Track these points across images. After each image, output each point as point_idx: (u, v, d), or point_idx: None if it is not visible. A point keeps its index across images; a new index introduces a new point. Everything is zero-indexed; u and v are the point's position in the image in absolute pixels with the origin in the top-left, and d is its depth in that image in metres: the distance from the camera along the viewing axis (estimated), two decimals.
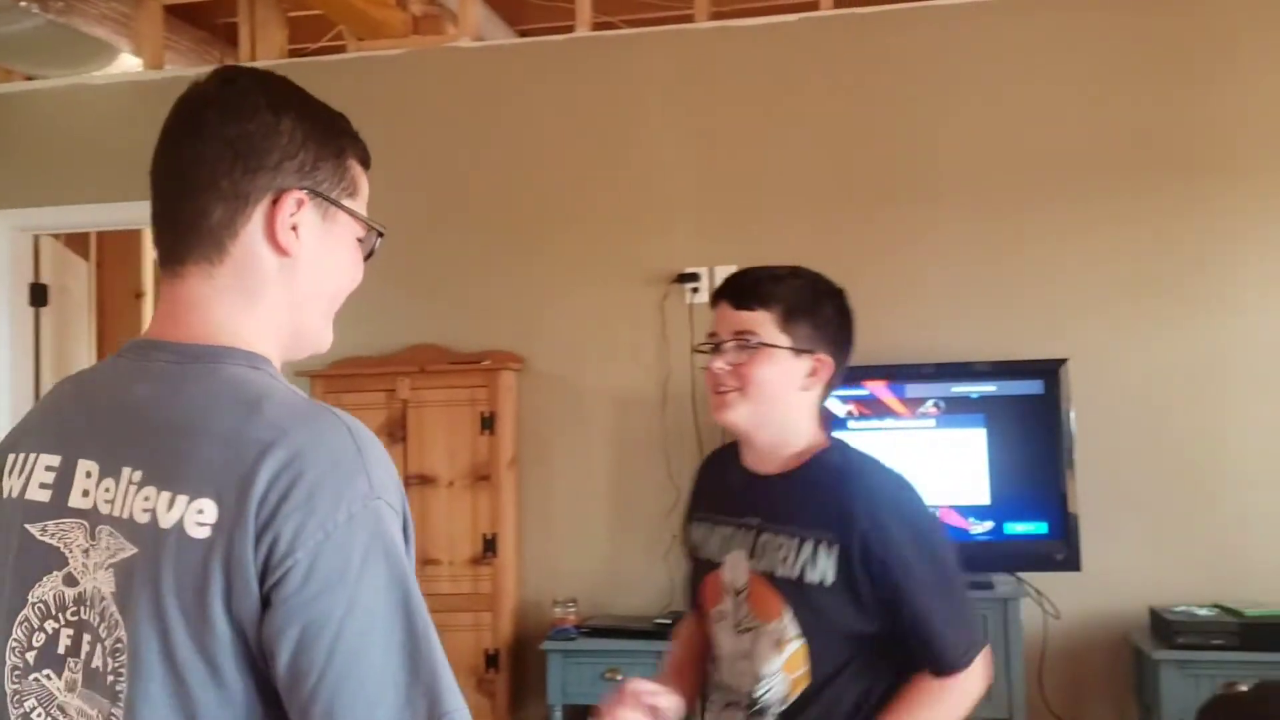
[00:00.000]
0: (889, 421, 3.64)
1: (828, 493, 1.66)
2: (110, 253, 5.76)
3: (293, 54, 4.27)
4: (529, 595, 3.93)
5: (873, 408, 3.65)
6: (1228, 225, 3.63)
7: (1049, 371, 3.57)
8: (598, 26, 4.12)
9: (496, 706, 3.72)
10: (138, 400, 1.02)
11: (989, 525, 3.58)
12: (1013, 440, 3.59)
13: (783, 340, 1.71)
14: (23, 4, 3.62)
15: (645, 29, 4.06)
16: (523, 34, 4.46)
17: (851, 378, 3.58)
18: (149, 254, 5.92)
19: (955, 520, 3.58)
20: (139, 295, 5.85)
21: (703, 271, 3.90)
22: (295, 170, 1.08)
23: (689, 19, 4.01)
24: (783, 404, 1.72)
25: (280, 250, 1.07)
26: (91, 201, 4.24)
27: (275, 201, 1.06)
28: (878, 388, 3.65)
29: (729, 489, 1.79)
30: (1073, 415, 3.53)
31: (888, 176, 3.84)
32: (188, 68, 4.35)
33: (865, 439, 3.63)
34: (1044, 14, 3.79)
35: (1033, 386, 3.60)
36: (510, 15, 4.56)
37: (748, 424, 1.73)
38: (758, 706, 1.67)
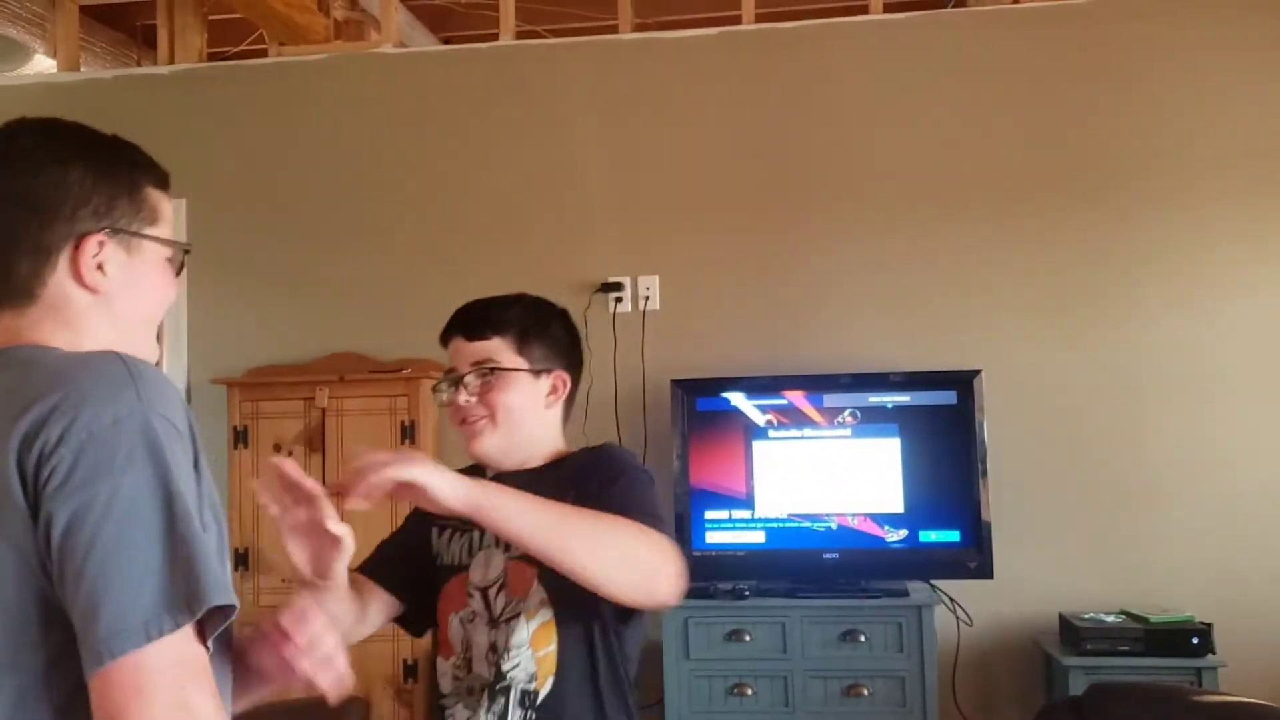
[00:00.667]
0: (807, 430, 3.68)
1: (574, 468, 1.71)
2: None
3: (212, 57, 4.21)
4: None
5: (791, 417, 3.69)
6: (1140, 239, 3.73)
7: (962, 382, 3.64)
8: (521, 35, 4.12)
9: (415, 716, 3.69)
10: None
11: (903, 534, 3.63)
12: (927, 450, 3.65)
13: (520, 363, 1.73)
14: None
15: (569, 39, 4.07)
16: (446, 41, 4.45)
17: (771, 387, 3.68)
18: None
19: (871, 529, 3.63)
20: None
21: (626, 281, 3.92)
22: (91, 215, 1.14)
23: (613, 29, 4.04)
24: (529, 426, 1.74)
25: (90, 290, 1.14)
26: None
27: (77, 247, 1.13)
28: (796, 397, 3.69)
29: None
30: (985, 425, 3.59)
31: (807, 189, 3.89)
32: (104, 69, 4.28)
33: (784, 448, 3.68)
34: (962, 31, 3.88)
35: (946, 397, 3.66)
36: (433, 23, 4.55)
37: (499, 452, 1.73)
38: (502, 683, 1.62)
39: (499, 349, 1.71)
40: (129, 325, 1.18)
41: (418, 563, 1.77)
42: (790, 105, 3.91)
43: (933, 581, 3.66)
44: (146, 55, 4.45)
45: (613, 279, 3.91)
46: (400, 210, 4.03)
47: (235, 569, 3.63)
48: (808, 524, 3.66)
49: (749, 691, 3.52)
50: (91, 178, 1.14)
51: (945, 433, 3.65)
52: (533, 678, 1.63)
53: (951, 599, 3.68)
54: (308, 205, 4.05)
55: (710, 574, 3.64)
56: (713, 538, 3.69)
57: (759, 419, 3.69)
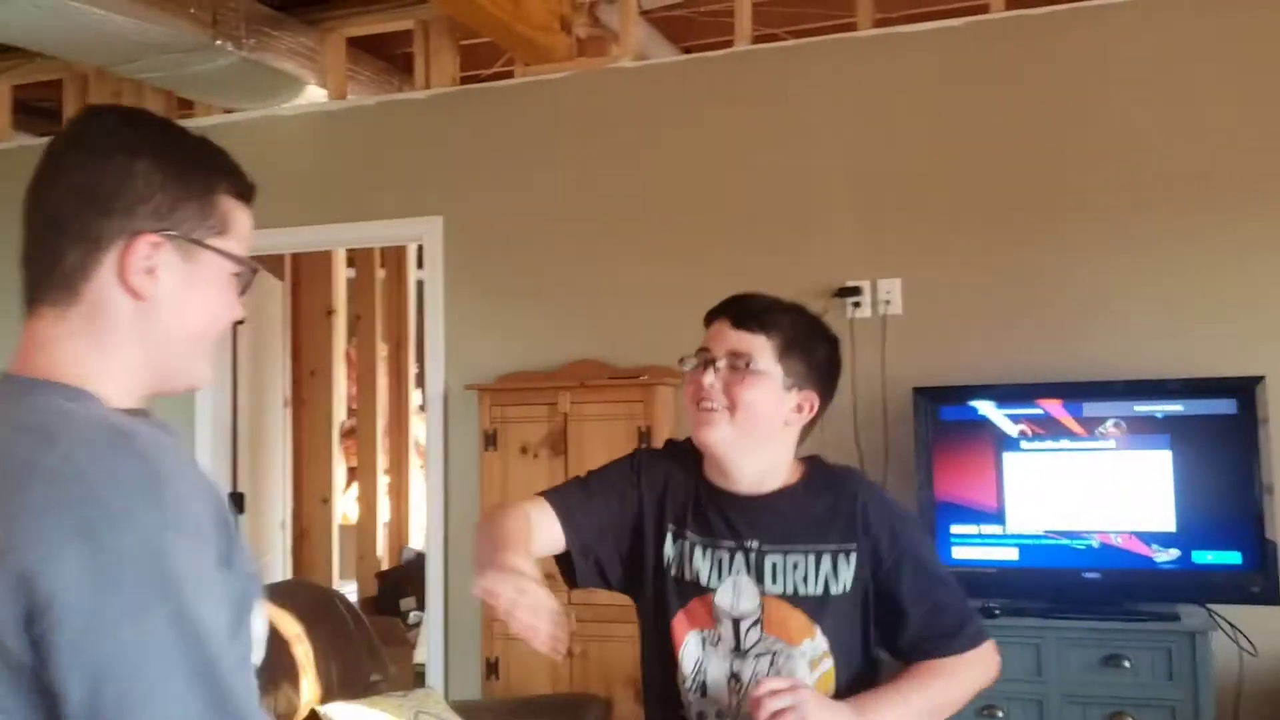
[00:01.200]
0: (1064, 442, 3.45)
1: (834, 504, 1.68)
2: (305, 273, 6.11)
3: (465, 80, 4.40)
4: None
5: (1047, 427, 3.47)
6: None
7: (1244, 389, 3.32)
8: (759, 39, 4.09)
9: None
10: None
11: (1175, 554, 3.34)
12: (1202, 463, 3.34)
13: (776, 370, 1.67)
14: (218, 43, 3.86)
15: (805, 40, 4.00)
16: (687, 51, 4.46)
17: (1023, 395, 3.47)
18: (340, 273, 6.24)
19: (1137, 547, 3.37)
20: (330, 313, 6.17)
21: (865, 285, 3.81)
22: (150, 213, 1.06)
23: (851, 27, 3.93)
24: (765, 433, 1.68)
25: (134, 294, 1.06)
26: (281, 225, 4.49)
27: (128, 246, 1.05)
28: (1052, 406, 3.46)
29: (704, 509, 1.72)
30: (1270, 436, 3.26)
31: (1064, 184, 3.65)
32: (368, 96, 4.55)
33: (1038, 460, 3.47)
34: (1238, 9, 3.54)
35: (1225, 405, 3.34)
36: (674, 34, 4.58)
37: (728, 446, 1.68)
38: None
39: (760, 347, 1.67)
40: (172, 341, 1.09)
41: (616, 538, 1.74)
42: (1049, 96, 3.68)
43: (1210, 606, 3.35)
44: (407, 81, 4.71)
45: (851, 283, 3.81)
46: (640, 220, 4.07)
47: None
48: (1065, 541, 3.43)
49: (999, 714, 3.34)
50: (159, 174, 1.06)
51: (1223, 444, 3.33)
52: None
53: (1232, 626, 3.36)
54: (554, 219, 4.16)
55: None
56: (959, 553, 3.51)
57: (1010, 429, 3.49)
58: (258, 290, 4.47)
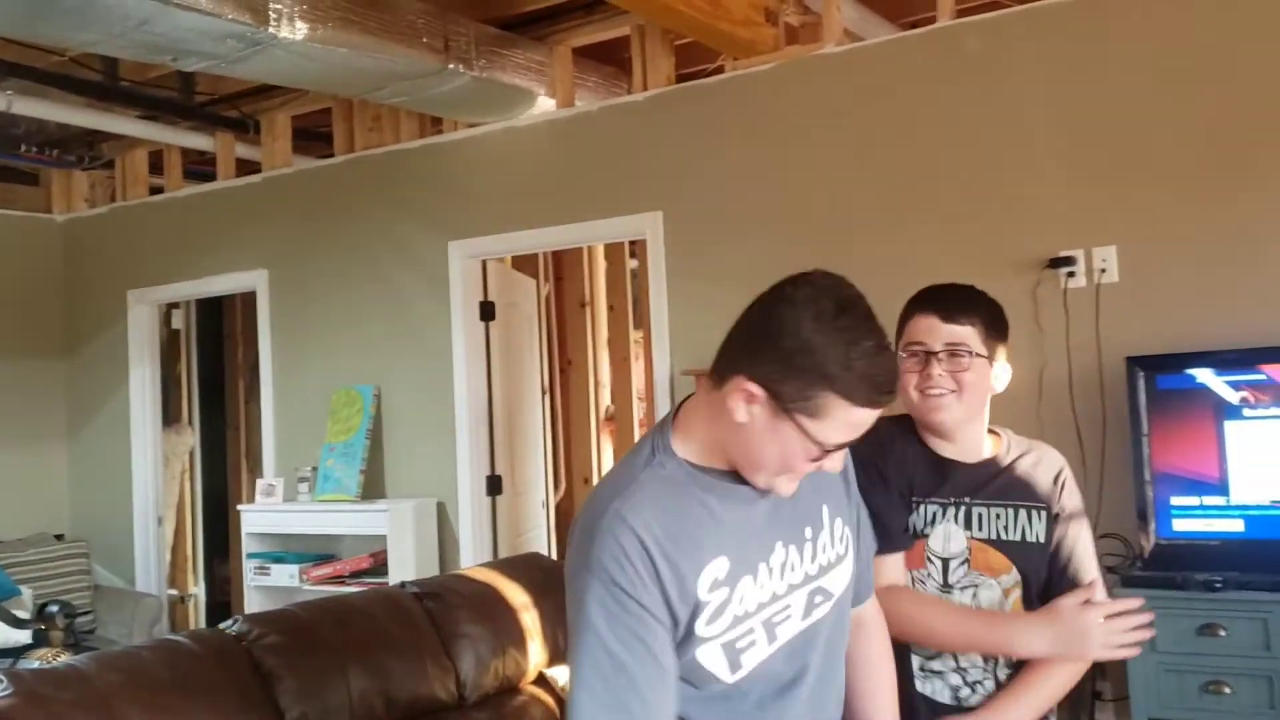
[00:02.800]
0: None
1: (1029, 472, 2.02)
2: (566, 269, 6.54)
3: (681, 79, 4.62)
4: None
5: (1272, 394, 3.32)
6: None
7: None
8: (964, 13, 4.07)
9: None
10: None
11: None
12: None
13: (984, 351, 1.96)
14: (450, 67, 4.25)
15: (1009, 9, 3.95)
16: (911, 26, 4.45)
17: (1244, 361, 3.34)
18: (599, 266, 6.61)
19: None
20: (583, 305, 6.56)
21: (1078, 254, 3.74)
22: (766, 369, 1.41)
23: None
24: (983, 405, 2.00)
25: (731, 413, 1.44)
26: (522, 228, 4.87)
27: (735, 380, 1.43)
28: (1276, 371, 3.31)
29: (926, 474, 2.00)
30: None
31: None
32: (595, 101, 4.85)
33: (1264, 428, 3.32)
34: None
35: None
36: (890, 11, 4.61)
37: (958, 422, 1.99)
38: None
39: (971, 335, 1.94)
40: (745, 457, 1.48)
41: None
42: (1265, 40, 3.49)
43: None
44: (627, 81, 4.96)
45: (1064, 253, 3.75)
46: (853, 202, 4.15)
47: None
48: None
49: (1226, 690, 3.24)
50: (789, 341, 1.41)
51: None
52: None
53: None
54: (767, 207, 4.31)
55: (1178, 564, 3.38)
56: (1180, 525, 3.42)
57: (1232, 396, 3.36)
58: (509, 286, 4.92)
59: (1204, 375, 3.40)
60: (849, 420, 1.41)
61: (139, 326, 6.10)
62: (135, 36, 3.58)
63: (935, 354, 1.94)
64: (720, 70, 4.53)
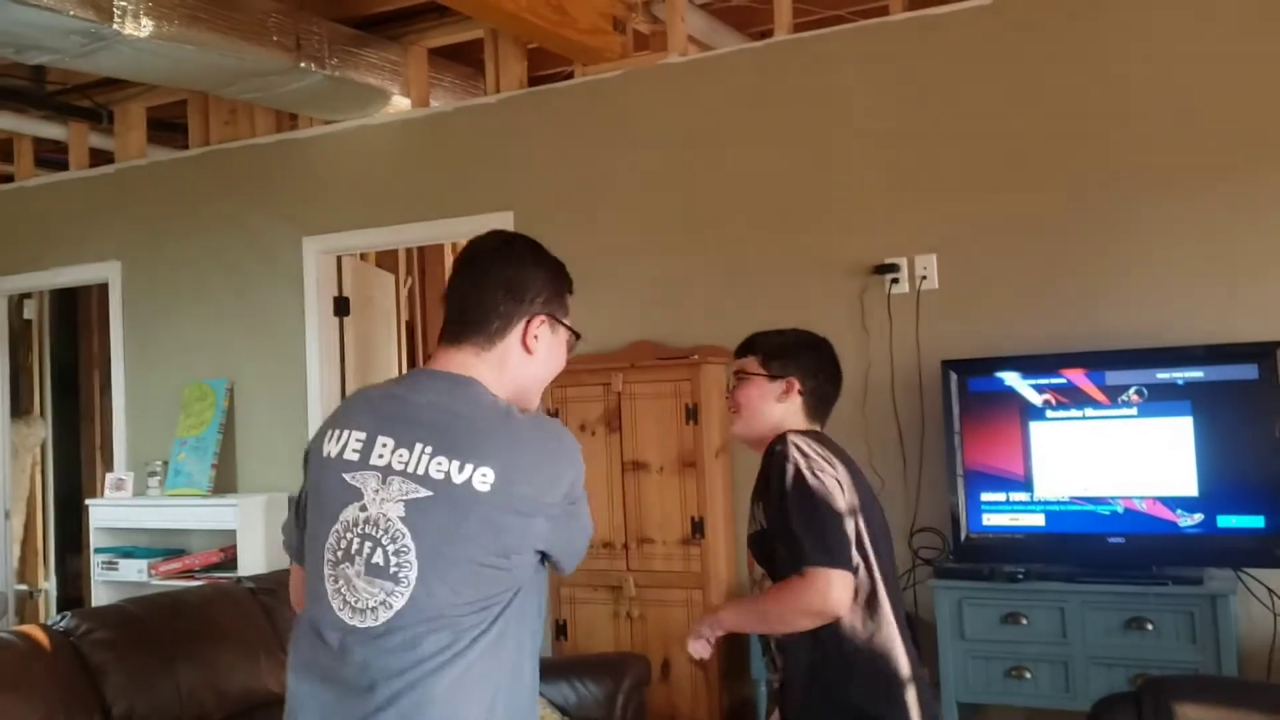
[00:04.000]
0: (1089, 410, 3.54)
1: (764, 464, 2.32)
2: (429, 263, 6.58)
3: (533, 83, 4.71)
4: (745, 575, 4.15)
5: (1071, 396, 3.56)
6: None
7: (1264, 354, 3.34)
8: (801, 27, 4.25)
9: (709, 678, 3.98)
10: (423, 403, 1.68)
11: (1199, 518, 3.41)
12: (1224, 429, 3.40)
13: (761, 371, 2.39)
14: (302, 65, 4.27)
15: (839, 27, 4.14)
16: (761, 36, 4.60)
17: (1047, 366, 3.58)
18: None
19: (1162, 512, 3.44)
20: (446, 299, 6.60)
21: (902, 262, 3.95)
22: (542, 302, 1.76)
23: (885, 11, 4.06)
24: (761, 418, 2.40)
25: (527, 351, 1.75)
26: (374, 225, 4.92)
27: (528, 321, 1.75)
28: (1076, 376, 3.56)
29: None
30: None
31: (1088, 151, 3.71)
32: (451, 102, 4.91)
33: (1063, 429, 3.57)
34: None
35: (1246, 371, 3.38)
36: (740, 22, 4.77)
37: (741, 434, 2.45)
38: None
39: (749, 362, 2.43)
40: (532, 382, 1.78)
41: None
42: (1075, 71, 3.74)
43: (1242, 571, 3.41)
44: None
45: (889, 260, 3.96)
46: (688, 208, 4.30)
47: None
48: (1090, 507, 3.53)
49: (1027, 675, 3.48)
50: (546, 276, 1.79)
51: (1245, 410, 3.37)
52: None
53: (1270, 590, 3.41)
54: (612, 210, 4.44)
55: (987, 556, 3.62)
56: (990, 520, 3.66)
57: (1035, 399, 3.60)
58: (366, 281, 4.92)
59: (1011, 378, 3.64)
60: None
61: None
62: None
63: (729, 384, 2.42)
64: (570, 75, 4.63)
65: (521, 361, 1.74)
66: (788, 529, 2.16)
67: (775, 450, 2.26)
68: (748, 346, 2.47)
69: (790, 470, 2.20)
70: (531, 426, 1.69)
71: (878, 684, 2.19)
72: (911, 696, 2.19)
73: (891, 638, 2.21)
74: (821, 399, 2.44)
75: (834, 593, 2.10)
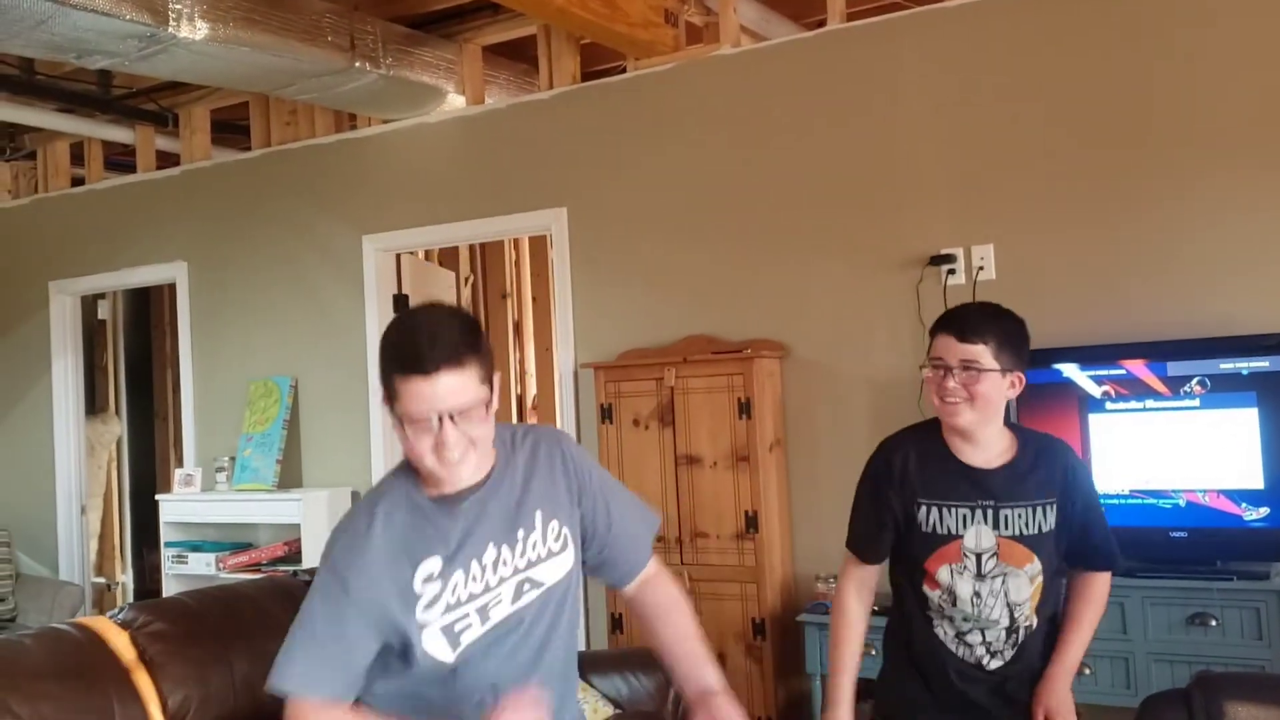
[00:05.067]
0: (1149, 402, 3.46)
1: (1040, 470, 2.29)
2: (489, 261, 6.63)
3: (586, 78, 4.72)
4: (801, 570, 4.13)
5: (1130, 388, 3.48)
6: None
7: None
8: (854, 15, 4.20)
9: (764, 671, 3.97)
10: None
11: (1265, 511, 3.31)
12: None
13: (995, 365, 2.23)
14: (357, 65, 4.33)
15: (894, 14, 4.08)
16: (817, 25, 4.55)
17: (1106, 357, 3.51)
18: (524, 259, 6.70)
19: (1226, 506, 3.35)
20: (504, 296, 6.65)
21: (958, 252, 3.89)
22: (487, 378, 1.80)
23: None
24: (995, 410, 2.28)
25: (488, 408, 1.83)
26: (431, 223, 4.96)
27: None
28: (1136, 366, 3.48)
29: (952, 480, 2.31)
30: None
31: (1150, 137, 3.63)
32: (506, 99, 4.94)
33: (1123, 421, 3.49)
34: None
35: None
36: (794, 11, 4.72)
37: (971, 425, 2.27)
38: (1024, 624, 2.30)
39: (982, 353, 2.23)
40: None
41: (894, 525, 2.37)
42: (1131, 47, 3.65)
43: None
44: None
45: (945, 251, 3.90)
46: (743, 200, 4.28)
47: None
48: (1151, 500, 3.45)
49: (1086, 671, 3.41)
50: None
51: None
52: (1027, 617, 2.31)
53: None
54: (666, 204, 4.43)
55: None
56: None
57: (1094, 390, 3.52)
58: (425, 278, 4.99)
59: (1069, 370, 3.56)
60: (408, 390, 1.71)
61: (60, 317, 6.12)
62: (34, 36, 3.64)
63: (952, 370, 2.24)
64: (624, 69, 4.63)
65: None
66: (1105, 529, 2.33)
67: (1066, 448, 2.34)
68: (973, 330, 2.25)
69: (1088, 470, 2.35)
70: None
71: None
72: None
73: None
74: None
75: None
